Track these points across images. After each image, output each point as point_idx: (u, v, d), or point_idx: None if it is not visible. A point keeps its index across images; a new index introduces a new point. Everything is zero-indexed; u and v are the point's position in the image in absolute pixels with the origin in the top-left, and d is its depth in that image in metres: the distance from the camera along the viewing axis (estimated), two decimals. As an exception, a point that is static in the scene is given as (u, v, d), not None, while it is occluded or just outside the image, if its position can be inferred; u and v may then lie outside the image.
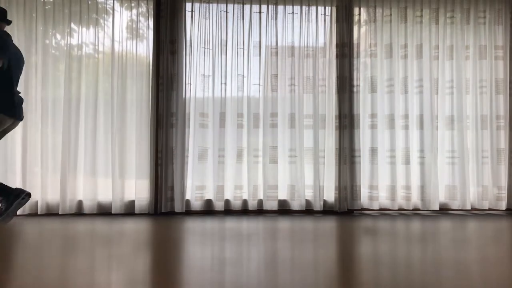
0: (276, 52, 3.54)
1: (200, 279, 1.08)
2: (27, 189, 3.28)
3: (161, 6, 3.44)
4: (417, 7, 3.65)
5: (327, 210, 3.51)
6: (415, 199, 3.57)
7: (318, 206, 3.46)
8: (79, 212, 3.34)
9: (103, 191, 3.38)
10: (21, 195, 2.80)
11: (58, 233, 2.22)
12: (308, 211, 3.48)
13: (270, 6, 3.55)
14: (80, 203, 3.35)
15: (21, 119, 2.88)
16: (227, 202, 3.45)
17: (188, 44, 3.48)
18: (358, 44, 3.59)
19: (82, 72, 3.41)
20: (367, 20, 3.68)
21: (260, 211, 3.46)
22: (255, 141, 3.49)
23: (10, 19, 3.02)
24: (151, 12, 3.48)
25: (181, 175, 3.38)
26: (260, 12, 3.54)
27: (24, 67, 3.33)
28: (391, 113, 3.58)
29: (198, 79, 3.49)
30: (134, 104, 3.44)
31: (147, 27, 3.50)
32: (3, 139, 3.32)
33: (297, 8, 3.57)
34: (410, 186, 3.54)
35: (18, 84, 3.23)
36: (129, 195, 3.39)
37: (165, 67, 3.40)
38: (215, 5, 3.53)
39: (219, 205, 3.41)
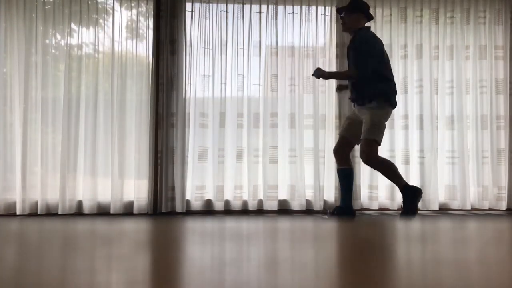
0: (276, 52, 3.53)
1: (200, 279, 1.08)
2: (27, 189, 3.27)
3: (161, 6, 3.44)
4: (417, 7, 3.65)
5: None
6: (415, 199, 3.57)
7: (318, 206, 3.46)
8: (78, 212, 3.34)
9: (103, 191, 3.37)
10: (420, 193, 3.03)
11: (57, 233, 2.22)
12: (308, 211, 3.48)
13: (270, 6, 3.55)
14: (79, 203, 3.35)
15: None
16: (227, 202, 3.44)
17: (188, 44, 3.48)
18: (358, 44, 3.58)
19: (82, 72, 3.41)
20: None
21: (260, 211, 3.46)
22: (255, 141, 3.49)
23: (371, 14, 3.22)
24: (151, 12, 3.48)
25: (181, 175, 3.38)
26: (260, 12, 3.54)
27: (24, 67, 3.33)
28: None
29: (198, 79, 3.49)
30: (134, 104, 3.44)
31: (147, 27, 3.50)
32: (2, 138, 3.32)
33: (297, 8, 3.57)
34: (410, 186, 3.54)
35: None
36: (128, 195, 3.39)
37: (165, 67, 3.40)
38: (215, 5, 3.53)
39: (219, 205, 3.41)
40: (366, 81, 2.98)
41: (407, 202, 3.00)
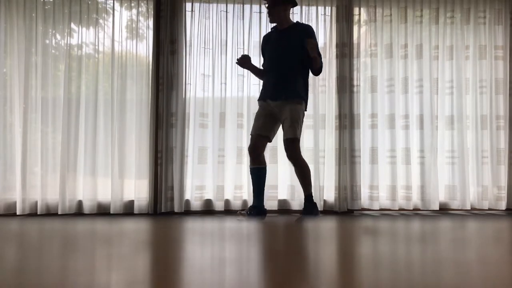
0: (276, 52, 3.52)
1: (200, 279, 1.08)
2: (27, 189, 3.27)
3: (161, 6, 3.44)
4: (417, 7, 3.65)
5: (327, 210, 3.51)
6: (415, 199, 3.57)
7: (319, 206, 3.45)
8: (78, 212, 3.34)
9: (103, 191, 3.37)
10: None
11: (57, 233, 2.22)
12: (308, 211, 3.47)
13: (270, 6, 3.54)
14: (79, 203, 3.35)
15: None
16: (227, 202, 3.45)
17: (188, 44, 3.48)
18: (358, 44, 3.58)
19: (82, 72, 3.41)
20: (367, 20, 3.68)
21: (260, 211, 3.45)
22: (255, 141, 3.48)
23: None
24: (151, 12, 3.48)
25: (181, 175, 3.38)
26: (260, 12, 3.54)
27: (24, 67, 3.33)
28: (391, 113, 3.57)
29: (198, 79, 3.49)
30: (134, 104, 3.44)
31: (147, 27, 3.50)
32: (2, 138, 3.32)
33: (297, 8, 3.56)
34: (410, 186, 3.54)
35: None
36: (128, 195, 3.39)
37: (165, 67, 3.40)
38: (215, 5, 3.53)
39: (219, 205, 3.41)
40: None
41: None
